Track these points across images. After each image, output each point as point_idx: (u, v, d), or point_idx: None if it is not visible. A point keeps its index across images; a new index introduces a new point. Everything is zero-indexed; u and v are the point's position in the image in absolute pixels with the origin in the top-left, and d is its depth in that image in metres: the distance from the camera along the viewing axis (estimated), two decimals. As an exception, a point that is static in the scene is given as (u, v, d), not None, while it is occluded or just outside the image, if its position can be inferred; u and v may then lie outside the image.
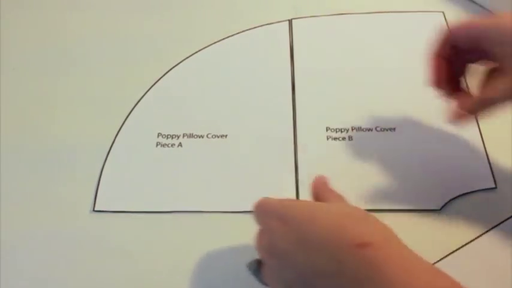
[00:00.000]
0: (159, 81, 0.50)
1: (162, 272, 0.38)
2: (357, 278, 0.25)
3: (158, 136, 0.46)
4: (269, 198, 0.31)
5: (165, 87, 0.50)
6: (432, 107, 0.46)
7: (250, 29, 0.54)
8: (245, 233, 0.40)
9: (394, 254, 0.25)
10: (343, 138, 0.45)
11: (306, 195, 0.41)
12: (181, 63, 0.51)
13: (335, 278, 0.26)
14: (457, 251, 0.38)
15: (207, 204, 0.41)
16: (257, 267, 0.32)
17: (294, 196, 0.41)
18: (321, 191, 0.33)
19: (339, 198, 0.32)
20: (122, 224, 0.41)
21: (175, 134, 0.46)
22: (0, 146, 0.46)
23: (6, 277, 0.38)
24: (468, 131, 0.44)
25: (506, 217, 0.39)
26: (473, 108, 0.36)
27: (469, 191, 0.41)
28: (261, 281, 0.33)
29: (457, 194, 0.41)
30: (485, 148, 0.43)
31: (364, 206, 0.40)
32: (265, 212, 0.31)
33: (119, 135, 0.46)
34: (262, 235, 0.31)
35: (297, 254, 0.27)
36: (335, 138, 0.45)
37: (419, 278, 0.24)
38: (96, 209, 0.41)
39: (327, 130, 0.45)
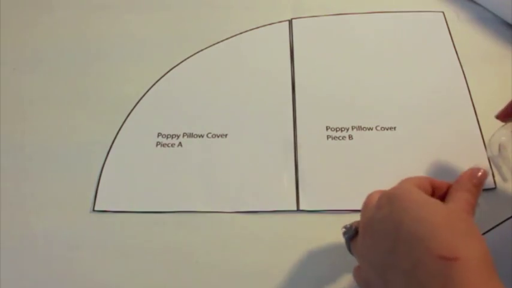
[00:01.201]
0: (159, 81, 0.50)
1: (162, 272, 0.38)
2: (426, 286, 0.24)
3: (158, 136, 0.46)
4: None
5: (165, 87, 0.50)
6: (432, 107, 0.46)
7: (250, 29, 0.54)
8: (245, 233, 0.40)
9: (476, 277, 0.24)
10: (343, 138, 0.45)
11: (306, 195, 0.41)
12: (181, 64, 0.51)
13: (406, 275, 0.25)
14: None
15: (207, 204, 0.41)
16: (353, 235, 0.32)
17: (293, 197, 0.41)
18: (458, 184, 0.30)
19: (465, 202, 0.29)
20: (122, 224, 0.41)
21: (175, 133, 0.46)
22: (0, 146, 0.46)
23: (6, 277, 0.38)
24: (468, 131, 0.44)
25: (506, 217, 0.39)
26: None
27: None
28: (349, 248, 0.32)
29: (457, 193, 0.41)
30: (485, 148, 0.43)
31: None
32: (382, 190, 0.30)
33: (119, 135, 0.46)
34: (369, 206, 0.30)
35: (386, 240, 0.27)
36: (335, 138, 0.45)
37: None
38: (96, 209, 0.41)
39: (327, 129, 0.45)
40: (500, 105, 0.46)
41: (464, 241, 0.25)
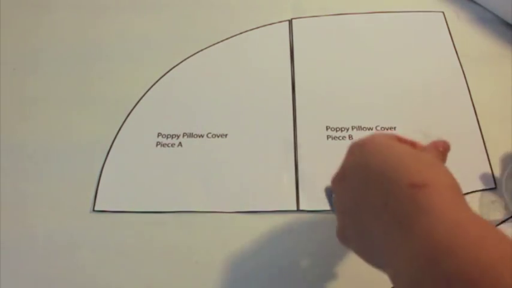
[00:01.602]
0: (159, 80, 0.50)
1: (162, 272, 0.38)
2: (398, 215, 0.24)
3: (158, 136, 0.46)
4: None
5: (165, 87, 0.50)
6: (432, 107, 0.46)
7: (250, 29, 0.54)
8: (245, 233, 0.40)
9: (447, 202, 0.24)
10: (343, 138, 0.45)
11: (306, 195, 0.41)
12: (181, 64, 0.51)
13: (378, 211, 0.26)
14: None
15: (207, 204, 0.41)
16: (331, 193, 0.32)
17: (293, 197, 0.41)
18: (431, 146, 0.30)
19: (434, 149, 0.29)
20: (122, 224, 0.41)
21: (175, 133, 0.46)
22: (0, 146, 0.46)
23: (6, 277, 0.38)
24: (468, 131, 0.44)
25: (506, 217, 0.40)
26: None
27: (469, 191, 0.41)
28: (332, 206, 0.33)
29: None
30: (485, 148, 0.43)
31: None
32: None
33: (119, 135, 0.46)
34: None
35: (357, 184, 0.27)
36: (335, 138, 0.45)
37: (467, 232, 0.22)
38: (96, 209, 0.41)
39: (327, 129, 0.45)
40: (500, 105, 0.47)
41: (432, 170, 0.26)
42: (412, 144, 0.30)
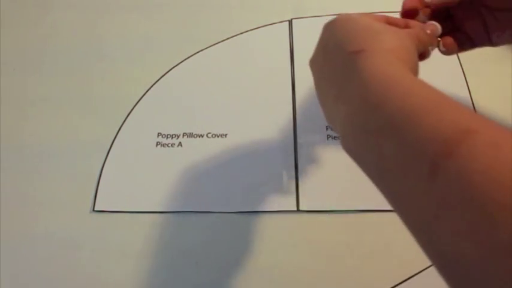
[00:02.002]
0: (159, 81, 0.50)
1: (162, 272, 0.38)
2: (340, 79, 0.26)
3: (158, 136, 0.46)
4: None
5: (165, 87, 0.50)
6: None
7: (250, 29, 0.54)
8: (245, 233, 0.40)
9: (381, 62, 0.25)
10: (343, 138, 0.44)
11: (306, 195, 0.41)
12: (181, 64, 0.51)
13: (329, 81, 0.28)
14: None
15: (207, 204, 0.41)
16: None
17: (293, 197, 0.41)
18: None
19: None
20: (122, 224, 0.41)
21: (175, 133, 0.46)
22: (0, 145, 0.46)
23: (6, 277, 0.38)
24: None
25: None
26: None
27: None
28: None
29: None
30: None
31: (364, 206, 0.40)
32: None
33: (118, 135, 0.46)
34: None
35: (319, 59, 0.30)
36: (335, 138, 0.44)
37: (394, 89, 0.23)
38: (96, 209, 0.41)
39: (327, 129, 0.45)
40: (500, 105, 0.47)
41: (374, 37, 0.27)
42: (406, 24, 0.32)
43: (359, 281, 0.37)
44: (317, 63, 0.30)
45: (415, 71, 0.27)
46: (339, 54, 0.27)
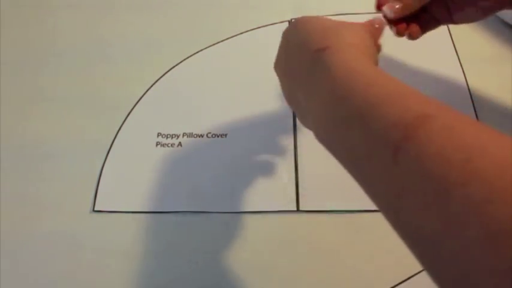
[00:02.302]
0: (159, 80, 0.50)
1: (162, 272, 0.38)
2: (307, 77, 0.28)
3: (158, 136, 0.46)
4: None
5: (165, 86, 0.50)
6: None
7: (250, 29, 0.54)
8: (245, 233, 0.40)
9: (345, 57, 0.26)
10: (343, 138, 0.44)
11: (306, 195, 0.41)
12: (181, 63, 0.51)
13: (295, 81, 0.30)
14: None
15: (206, 204, 0.41)
16: None
17: (293, 197, 0.41)
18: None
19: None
20: (122, 224, 0.41)
21: (175, 133, 0.46)
22: (0, 146, 0.46)
23: (6, 277, 0.38)
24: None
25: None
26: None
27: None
28: None
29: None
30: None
31: (364, 206, 0.40)
32: None
33: (118, 134, 0.46)
34: None
35: (281, 63, 0.32)
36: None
37: (359, 81, 0.24)
38: (96, 209, 0.41)
39: (327, 130, 0.45)
40: (500, 105, 0.47)
41: (336, 35, 0.28)
42: (365, 25, 0.33)
43: (359, 281, 0.37)
44: (280, 66, 0.32)
45: (375, 62, 0.29)
46: (303, 54, 0.28)
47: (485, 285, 0.17)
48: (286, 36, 0.32)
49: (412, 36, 0.38)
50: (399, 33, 0.38)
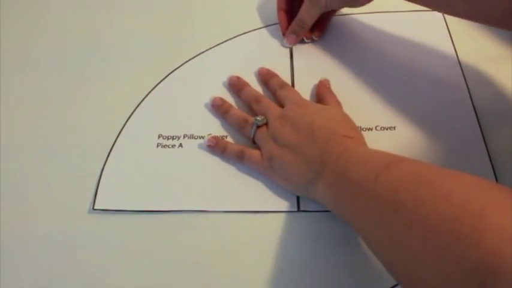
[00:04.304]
0: (161, 83, 0.50)
1: (162, 272, 0.38)
2: (333, 152, 0.37)
3: (159, 137, 0.46)
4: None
5: (166, 88, 0.50)
6: (432, 107, 0.46)
7: (250, 30, 0.54)
8: (245, 233, 0.40)
9: (360, 146, 0.39)
10: (343, 138, 0.44)
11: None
12: (182, 66, 0.51)
13: (320, 149, 0.38)
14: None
15: (207, 204, 0.41)
16: (262, 125, 0.43)
17: (293, 196, 0.41)
18: (324, 94, 0.46)
19: (337, 103, 0.45)
20: (122, 224, 0.41)
21: (176, 135, 0.46)
22: (0, 146, 0.46)
23: (6, 277, 0.38)
24: (468, 131, 0.44)
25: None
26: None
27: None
28: (251, 136, 0.43)
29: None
30: (486, 147, 0.43)
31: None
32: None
33: (120, 136, 0.46)
34: (273, 111, 0.44)
35: (305, 129, 0.40)
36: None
37: (358, 155, 0.37)
38: (96, 207, 0.41)
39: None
40: (500, 105, 0.47)
41: (354, 129, 0.41)
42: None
43: (359, 280, 0.37)
44: (297, 131, 0.41)
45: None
46: (332, 134, 0.39)
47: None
48: (305, 115, 0.42)
49: (317, 37, 0.52)
50: (307, 39, 0.52)
